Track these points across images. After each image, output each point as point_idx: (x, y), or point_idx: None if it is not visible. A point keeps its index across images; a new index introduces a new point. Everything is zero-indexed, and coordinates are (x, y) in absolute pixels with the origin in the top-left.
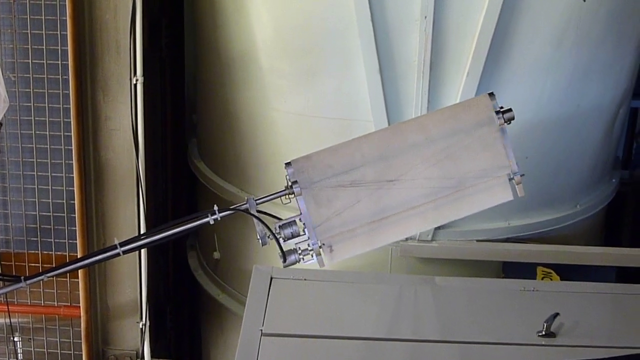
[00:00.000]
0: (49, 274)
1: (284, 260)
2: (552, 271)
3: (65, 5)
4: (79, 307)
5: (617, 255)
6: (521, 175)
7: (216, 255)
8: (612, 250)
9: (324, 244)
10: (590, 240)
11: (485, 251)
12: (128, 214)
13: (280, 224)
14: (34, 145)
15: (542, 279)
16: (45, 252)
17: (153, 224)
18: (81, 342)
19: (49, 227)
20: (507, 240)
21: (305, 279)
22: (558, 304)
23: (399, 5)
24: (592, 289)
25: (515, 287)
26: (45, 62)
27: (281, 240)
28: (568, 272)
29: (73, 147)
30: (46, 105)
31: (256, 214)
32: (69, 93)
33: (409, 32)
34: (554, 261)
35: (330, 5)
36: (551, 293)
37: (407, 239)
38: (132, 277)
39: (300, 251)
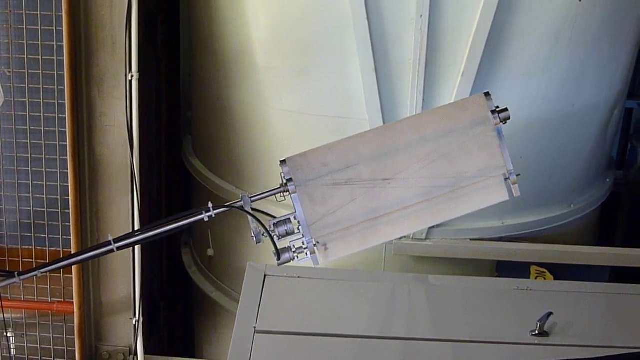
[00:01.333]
0: (42, 270)
1: (278, 259)
2: (545, 270)
3: (61, 0)
4: (73, 303)
5: (611, 255)
6: (517, 175)
7: (210, 252)
8: (606, 250)
9: (318, 242)
10: (584, 240)
11: (479, 250)
12: (122, 210)
13: (275, 221)
14: (28, 141)
15: (536, 278)
16: (39, 247)
17: (147, 221)
18: (74, 338)
19: (43, 222)
20: (501, 239)
21: (299, 277)
22: (551, 304)
23: (394, 4)
24: (585, 288)
25: (509, 286)
26: (40, 57)
27: (275, 238)
28: (562, 271)
29: (68, 143)
30: (41, 100)
31: (251, 211)
32: (64, 89)
33: (405, 31)
34: (547, 260)
35: (326, 4)
36: (545, 292)
37: (401, 238)
38: (125, 274)
39: (294, 249)
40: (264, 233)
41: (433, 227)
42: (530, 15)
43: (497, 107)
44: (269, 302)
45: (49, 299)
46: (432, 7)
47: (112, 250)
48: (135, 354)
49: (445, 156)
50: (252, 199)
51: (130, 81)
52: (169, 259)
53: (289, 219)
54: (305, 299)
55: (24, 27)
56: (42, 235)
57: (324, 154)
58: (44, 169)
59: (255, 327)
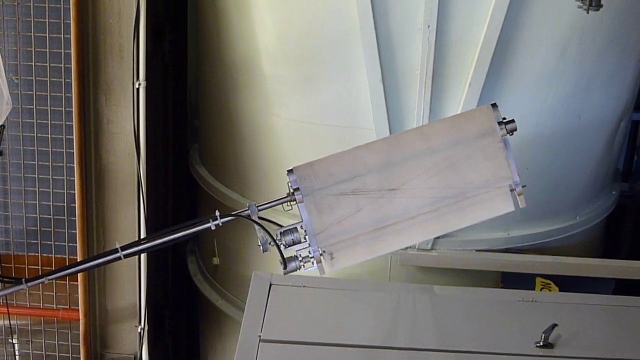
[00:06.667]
0: (50, 277)
1: (285, 267)
2: (551, 282)
3: (69, 8)
4: (78, 310)
5: (616, 267)
6: (523, 187)
7: (216, 261)
8: (611, 262)
9: (324, 252)
10: (589, 252)
11: (485, 261)
12: (128, 218)
13: (282, 230)
14: (35, 148)
15: (541, 289)
16: (45, 254)
17: (153, 229)
18: (79, 345)
19: (49, 229)
20: (506, 250)
21: (304, 286)
22: (556, 315)
23: (402, 15)
24: (590, 300)
25: (514, 298)
26: (48, 65)
27: (282, 247)
28: (567, 283)
29: (74, 150)
30: (48, 108)
31: (258, 220)
32: (71, 96)
33: (412, 42)
34: (553, 272)
35: (333, 13)
36: (550, 304)
37: (406, 248)
38: (131, 281)
39: (301, 258)
40: (270, 242)
41: (438, 237)
42: (538, 27)
43: (504, 118)
44: (274, 311)
45: (55, 305)
46: (440, 17)
47: (119, 258)
48: None
49: (452, 167)
50: (259, 207)
51: (138, 89)
52: (175, 267)
53: (296, 228)
54: (311, 309)
55: (32, 34)
56: (48, 243)
57: (330, 164)
58: (50, 176)
59: (260, 336)
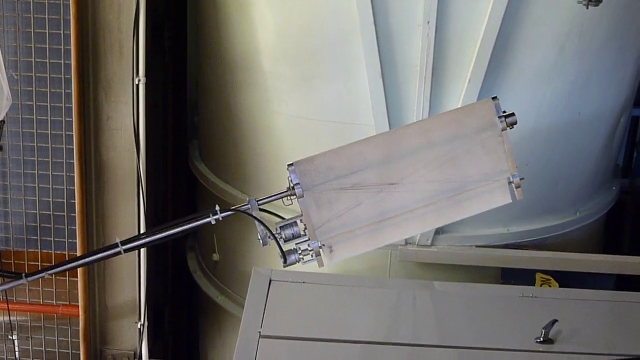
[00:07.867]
0: (50, 271)
1: (285, 261)
2: (551, 278)
3: (69, 4)
4: (78, 306)
5: (616, 262)
6: (520, 179)
7: (215, 257)
8: (611, 257)
9: (323, 245)
10: (589, 247)
11: (485, 257)
12: (128, 214)
13: (281, 224)
14: (35, 144)
15: (541, 285)
16: (44, 250)
17: (153, 225)
18: (79, 341)
19: (49, 225)
20: (506, 246)
21: (304, 282)
22: (556, 311)
23: (402, 11)
24: (590, 296)
25: (514, 293)
26: (48, 61)
27: (281, 241)
28: (567, 278)
29: (74, 146)
30: (48, 104)
31: (257, 215)
32: (71, 92)
33: (412, 38)
34: (553, 268)
35: (333, 10)
36: (550, 300)
37: (406, 244)
38: (131, 278)
39: (300, 251)
40: (270, 236)
41: (438, 233)
42: (537, 23)
43: (504, 111)
44: (274, 307)
45: (54, 302)
46: (440, 13)
47: (119, 252)
48: (140, 357)
49: (452, 161)
50: (259, 202)
51: (137, 85)
52: (174, 263)
53: (295, 222)
54: (311, 304)
55: (32, 30)
56: (48, 239)
57: (330, 159)
58: (50, 172)
59: (260, 332)
